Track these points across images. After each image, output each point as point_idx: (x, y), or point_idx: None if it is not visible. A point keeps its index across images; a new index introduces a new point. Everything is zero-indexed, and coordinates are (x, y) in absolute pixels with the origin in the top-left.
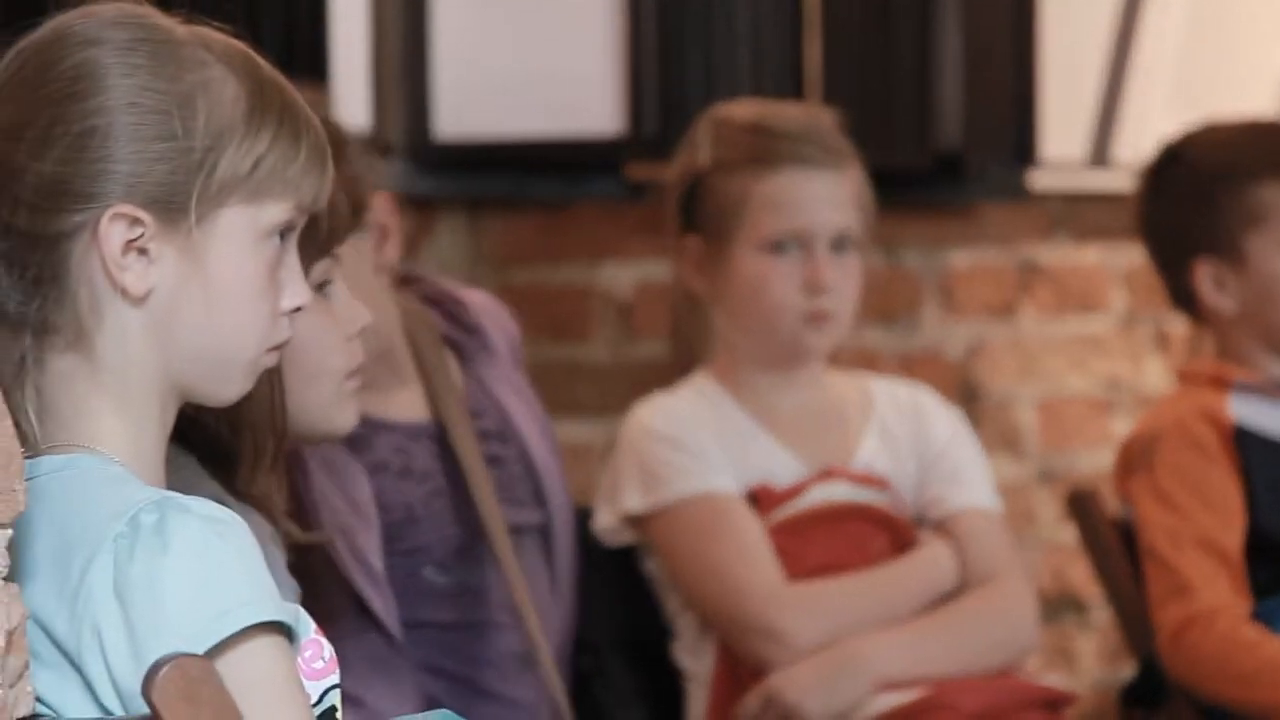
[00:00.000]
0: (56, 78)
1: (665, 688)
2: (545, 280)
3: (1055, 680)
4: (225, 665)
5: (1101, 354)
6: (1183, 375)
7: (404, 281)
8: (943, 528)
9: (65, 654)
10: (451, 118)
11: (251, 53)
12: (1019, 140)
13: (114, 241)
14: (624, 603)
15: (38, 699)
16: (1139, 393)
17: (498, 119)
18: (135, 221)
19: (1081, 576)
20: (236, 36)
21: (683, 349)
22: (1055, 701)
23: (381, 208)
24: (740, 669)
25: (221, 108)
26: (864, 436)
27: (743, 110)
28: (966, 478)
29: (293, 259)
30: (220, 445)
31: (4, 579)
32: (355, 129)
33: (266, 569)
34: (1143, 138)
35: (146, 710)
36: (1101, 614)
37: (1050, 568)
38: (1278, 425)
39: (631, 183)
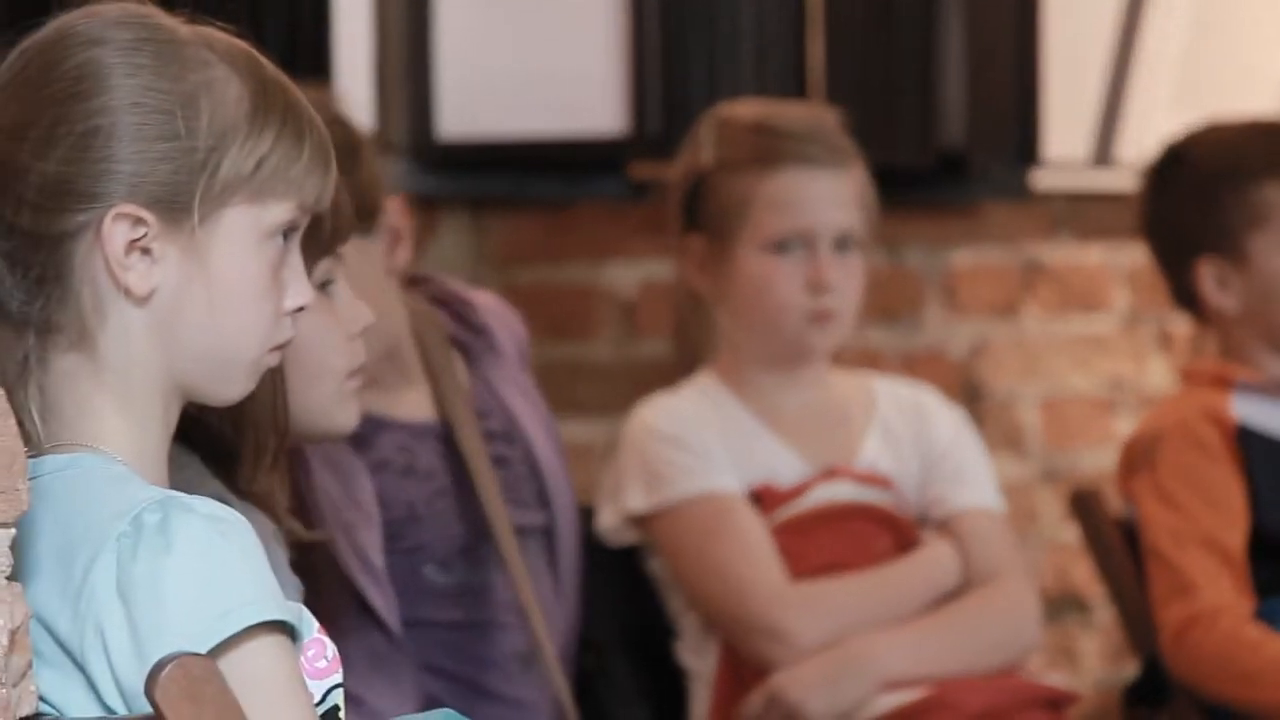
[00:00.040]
0: (60, 77)
1: (668, 687)
2: (548, 280)
3: (1058, 680)
4: (228, 664)
5: (1104, 353)
6: (1185, 375)
7: (412, 282)
8: (945, 527)
9: (68, 653)
10: (454, 117)
11: (255, 52)
12: (1022, 140)
13: (117, 241)
14: (627, 602)
15: (41, 698)
16: (1142, 392)
17: (501, 118)
18: (138, 221)
19: (1084, 576)
20: (240, 36)
21: (686, 348)
22: (1058, 701)
23: (395, 211)
24: (743, 668)
25: (225, 107)
26: (867, 436)
27: (746, 110)
28: (969, 477)
29: (296, 259)
30: (223, 444)
31: (7, 578)
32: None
33: (269, 568)
34: (1146, 137)
35: (149, 709)
36: (1104, 613)
37: (1053, 567)
38: None
39: (634, 182)
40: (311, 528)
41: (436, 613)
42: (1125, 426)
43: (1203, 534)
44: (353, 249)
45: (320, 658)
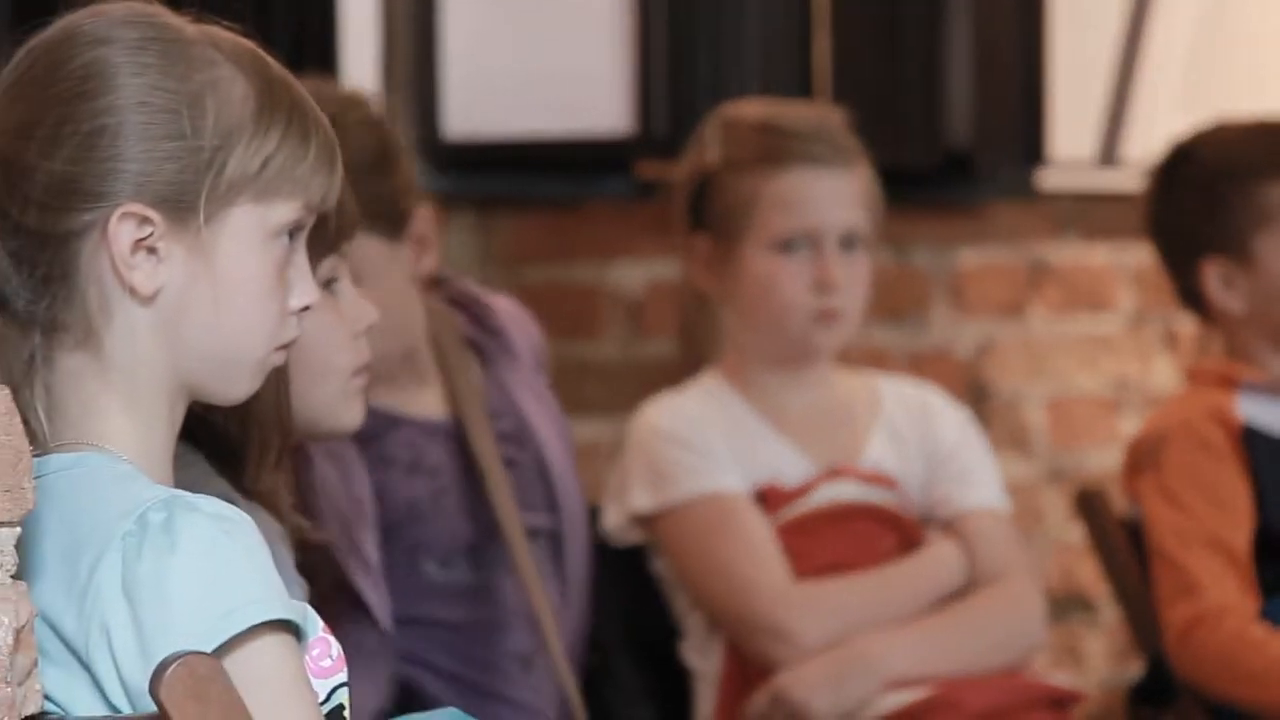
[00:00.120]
0: (66, 77)
1: (673, 687)
2: (555, 279)
3: (1063, 679)
4: (233, 663)
5: (1110, 353)
6: (1191, 375)
7: (430, 284)
8: (951, 527)
9: (73, 652)
10: (461, 117)
11: (260, 52)
12: (1028, 139)
13: (123, 240)
14: (632, 602)
15: (46, 697)
16: (1147, 392)
17: (507, 118)
18: (144, 220)
19: (1089, 575)
20: (246, 36)
21: (691, 348)
22: (1063, 700)
23: (424, 218)
24: (748, 668)
25: (230, 107)
26: (872, 436)
27: (752, 109)
28: (975, 477)
29: (301, 258)
30: (228, 443)
31: (12, 577)
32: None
33: (274, 567)
34: (1152, 137)
35: (154, 708)
36: (1109, 613)
37: (1058, 567)
38: None
39: (641, 182)
40: (312, 520)
41: (437, 611)
42: (1131, 426)
43: (1208, 534)
44: (381, 254)
45: (325, 656)
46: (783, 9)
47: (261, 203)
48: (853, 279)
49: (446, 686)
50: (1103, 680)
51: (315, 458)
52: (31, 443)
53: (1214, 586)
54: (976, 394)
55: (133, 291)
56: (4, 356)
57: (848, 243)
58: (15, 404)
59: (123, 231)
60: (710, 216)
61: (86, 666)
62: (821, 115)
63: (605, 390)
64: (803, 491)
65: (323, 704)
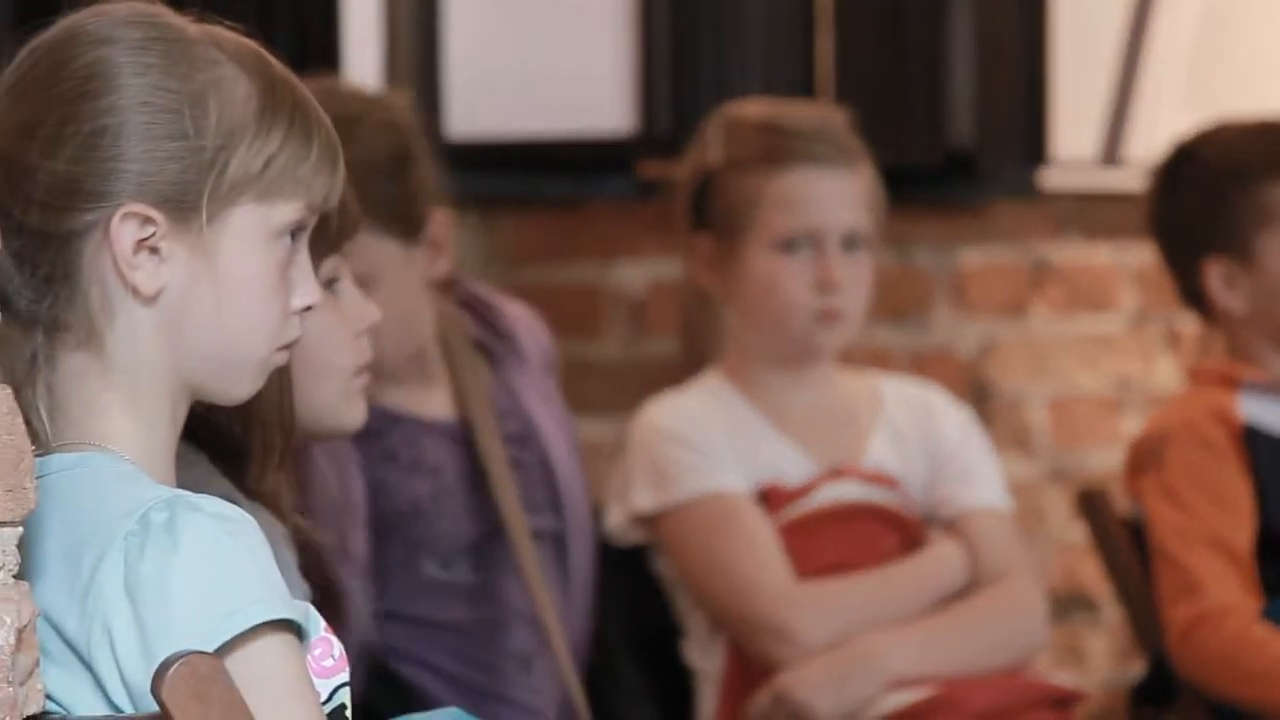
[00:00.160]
0: (69, 76)
1: (675, 686)
2: (556, 279)
3: (1065, 679)
4: (235, 663)
5: (1112, 353)
6: (1193, 374)
7: (443, 286)
8: (953, 527)
9: (75, 652)
10: (463, 117)
11: (263, 52)
12: (1030, 139)
13: (125, 240)
14: (634, 601)
15: (48, 696)
16: (1150, 392)
17: (509, 118)
18: (146, 220)
19: (1091, 575)
20: (248, 36)
21: (693, 347)
22: (1065, 700)
23: (440, 222)
24: (750, 668)
25: (233, 107)
26: (874, 435)
27: (754, 109)
28: (977, 477)
29: (303, 258)
30: (231, 443)
31: (14, 577)
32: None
33: (276, 567)
34: (1154, 137)
35: (156, 708)
36: (1111, 612)
37: (1060, 566)
38: None
39: (643, 181)
40: (304, 513)
41: (437, 611)
42: (1133, 426)
43: (1210, 533)
44: (396, 257)
45: (327, 656)
46: (785, 8)
47: (264, 203)
48: (855, 279)
49: (446, 686)
50: (1105, 680)
51: (311, 452)
52: (34, 442)
53: (1216, 586)
54: (978, 394)
55: (135, 291)
56: (6, 356)
57: (850, 243)
58: (17, 404)
59: (125, 231)
60: (712, 216)
61: (88, 666)
62: (824, 115)
63: (607, 390)
64: (805, 491)
65: (324, 704)
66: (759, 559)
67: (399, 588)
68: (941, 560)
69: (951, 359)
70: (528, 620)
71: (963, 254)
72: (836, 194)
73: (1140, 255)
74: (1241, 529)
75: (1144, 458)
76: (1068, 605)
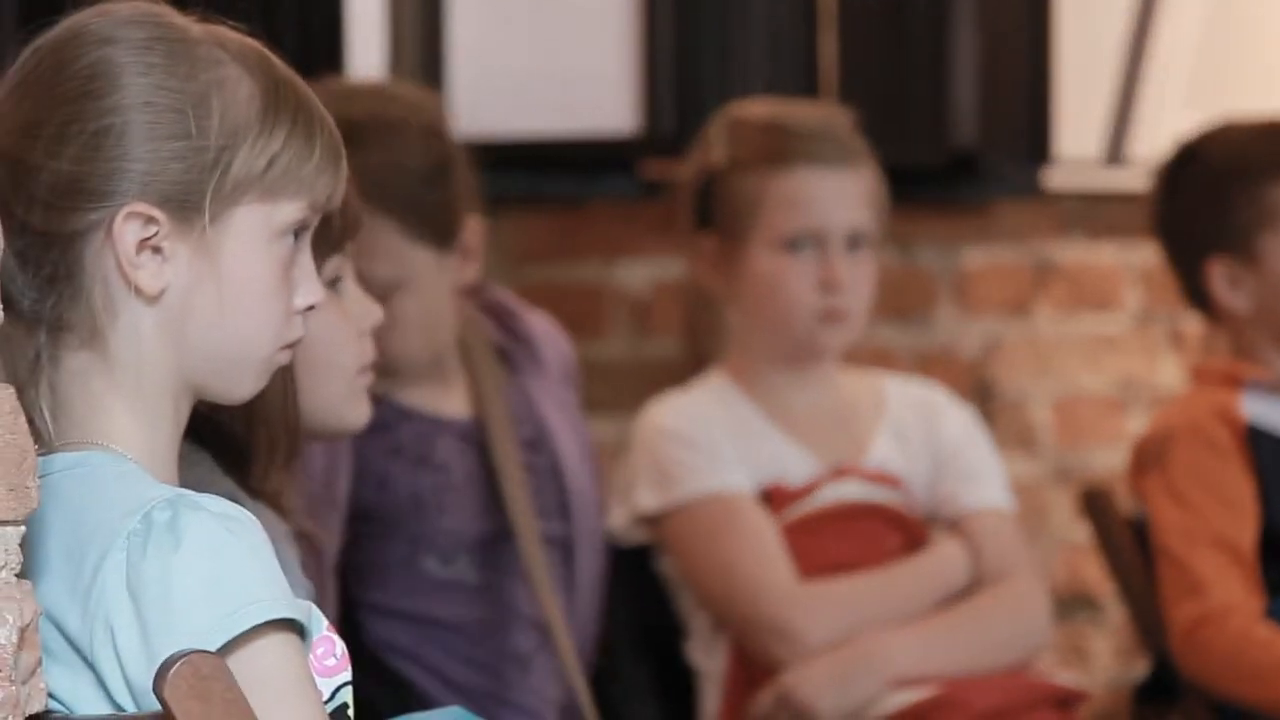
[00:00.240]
0: (72, 76)
1: (678, 686)
2: (560, 278)
3: (1068, 678)
4: (237, 662)
5: (1116, 352)
6: (1196, 374)
7: (467, 291)
8: (956, 526)
9: (78, 650)
10: (467, 116)
11: (266, 52)
12: (1034, 138)
13: (128, 240)
14: (637, 601)
15: (50, 695)
16: (1153, 391)
17: (513, 117)
18: (149, 220)
19: (1095, 575)
20: (251, 35)
21: (697, 347)
22: (1068, 699)
23: (473, 231)
24: (753, 667)
25: (236, 106)
26: (877, 435)
27: (758, 109)
28: (980, 477)
29: (306, 257)
30: (234, 442)
31: (17, 575)
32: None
33: (278, 566)
34: (1158, 136)
35: (159, 707)
36: (1115, 612)
37: (1064, 566)
38: None
39: (646, 181)
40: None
41: (435, 608)
42: (1136, 426)
43: (1213, 533)
44: (428, 264)
45: (329, 655)
46: (788, 9)
47: (266, 202)
48: (858, 279)
49: (444, 686)
50: (1108, 679)
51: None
52: (36, 442)
53: (1219, 585)
54: (982, 393)
55: (138, 291)
56: (9, 355)
57: (853, 242)
58: (20, 403)
59: (128, 231)
60: (716, 216)
61: (91, 665)
62: (827, 115)
63: (610, 390)
64: (808, 491)
65: (326, 703)
66: (762, 559)
67: (399, 584)
68: (944, 560)
69: (955, 359)
70: (530, 622)
71: (966, 254)
72: (840, 194)
73: (1144, 255)
74: (1245, 529)
75: (1148, 457)
76: (1071, 605)
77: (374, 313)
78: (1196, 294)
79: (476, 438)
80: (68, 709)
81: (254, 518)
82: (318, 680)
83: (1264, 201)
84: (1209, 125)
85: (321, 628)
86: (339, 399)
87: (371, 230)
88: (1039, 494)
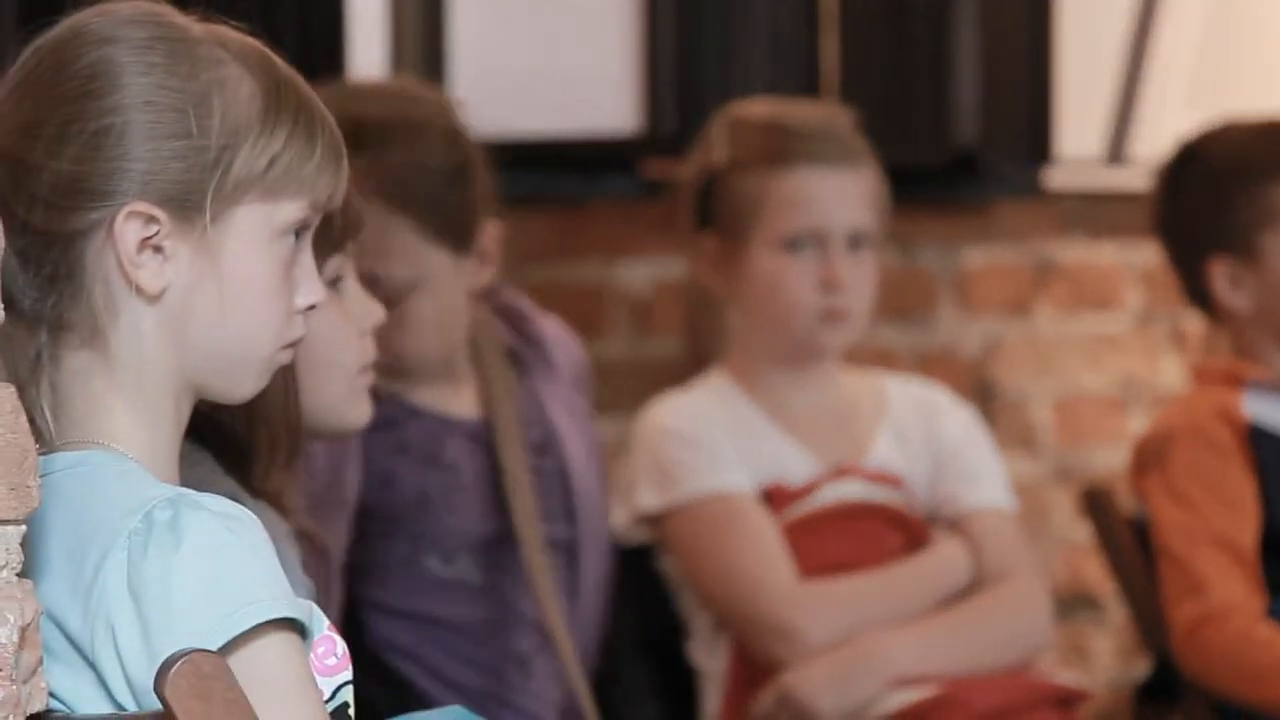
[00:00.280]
0: (72, 76)
1: (679, 685)
2: (561, 278)
3: (1069, 678)
4: (238, 661)
5: (1117, 352)
6: (1197, 373)
7: (481, 293)
8: (956, 526)
9: (79, 650)
10: (469, 116)
11: (267, 51)
12: (1035, 138)
13: (129, 239)
14: (639, 601)
15: (51, 694)
16: (1154, 391)
17: (514, 117)
18: (150, 219)
19: (1096, 574)
20: (252, 35)
21: (698, 347)
22: (1069, 699)
23: (491, 235)
24: (754, 667)
25: (237, 106)
26: (878, 435)
27: (759, 109)
28: (980, 476)
29: (307, 257)
30: (236, 442)
31: (18, 575)
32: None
33: (279, 565)
34: (1159, 136)
35: (159, 706)
36: (1116, 612)
37: (1065, 565)
38: None
39: (648, 181)
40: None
41: (436, 607)
42: (1137, 425)
43: (1214, 532)
44: (445, 266)
45: (330, 655)
46: (790, 8)
47: (267, 202)
48: (859, 278)
49: (445, 687)
50: (1109, 679)
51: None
52: (37, 441)
53: (1220, 585)
54: (983, 393)
55: (139, 290)
56: (10, 355)
57: (854, 242)
58: (21, 402)
59: (129, 230)
60: (717, 216)
61: (92, 664)
62: (828, 115)
63: (611, 389)
64: (808, 490)
65: (327, 702)
66: (763, 558)
67: (401, 583)
68: (945, 560)
69: (956, 358)
70: (531, 624)
71: (967, 253)
72: (841, 193)
73: (1145, 254)
74: (1246, 528)
75: (1149, 457)
76: (1072, 604)
77: (375, 312)
78: (1197, 293)
79: (485, 438)
80: (69, 708)
81: (255, 517)
82: (318, 680)
83: (1265, 201)
84: (1210, 125)
85: (322, 627)
86: (340, 398)
87: (390, 230)
88: (1040, 494)
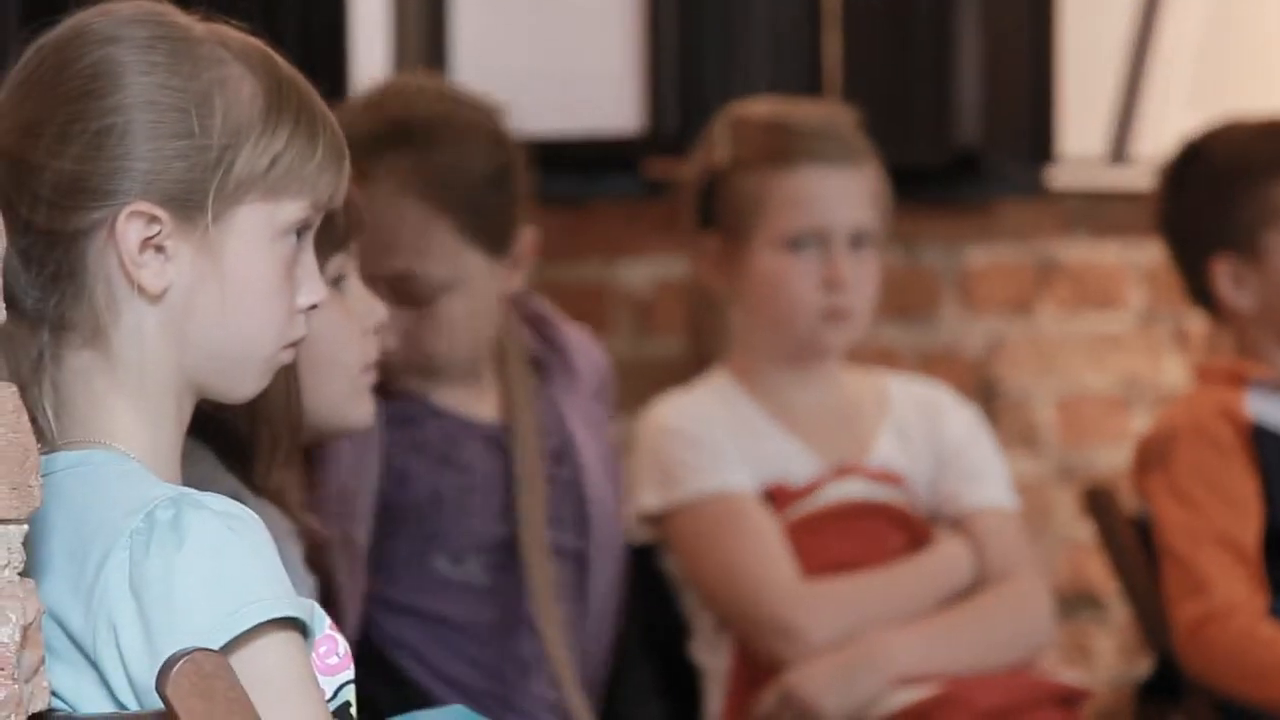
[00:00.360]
0: (75, 75)
1: (682, 685)
2: (562, 277)
3: (1072, 677)
4: (239, 661)
5: (1120, 351)
6: (1200, 372)
7: (508, 300)
8: (959, 525)
9: (81, 649)
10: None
11: (269, 51)
12: (1038, 137)
13: (131, 239)
14: (641, 600)
15: (53, 693)
16: (1157, 390)
17: (516, 116)
18: (152, 219)
19: (1099, 573)
20: (254, 34)
21: (700, 346)
22: (1071, 698)
23: (526, 241)
24: (756, 666)
25: (239, 105)
26: (880, 434)
27: (761, 108)
28: (983, 475)
29: (309, 256)
30: (237, 440)
31: (20, 574)
32: None
33: (281, 564)
34: (1162, 134)
35: (161, 705)
36: (1119, 611)
37: (1067, 564)
38: None
39: (650, 180)
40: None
41: (443, 607)
42: (1140, 424)
43: (1217, 532)
44: (480, 270)
45: (332, 654)
46: (792, 7)
47: (269, 201)
48: (862, 278)
49: (447, 687)
50: (1112, 678)
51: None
52: (39, 440)
53: (1223, 584)
54: (985, 392)
55: (140, 290)
56: (12, 354)
57: (857, 241)
58: (23, 402)
59: (130, 230)
60: (719, 215)
61: (94, 664)
62: (831, 114)
63: (613, 388)
64: (811, 490)
65: (329, 701)
66: (765, 558)
67: (409, 581)
68: (948, 558)
69: (958, 358)
70: (536, 629)
71: (970, 253)
72: (843, 193)
73: (1148, 254)
74: (1249, 527)
75: (1151, 456)
76: (1074, 603)
77: (377, 311)
78: (1200, 292)
79: (502, 443)
80: (71, 707)
81: (256, 516)
82: (320, 678)
83: (1268, 200)
84: (1213, 124)
85: (324, 626)
86: (342, 397)
87: (430, 229)
88: (1042, 493)
